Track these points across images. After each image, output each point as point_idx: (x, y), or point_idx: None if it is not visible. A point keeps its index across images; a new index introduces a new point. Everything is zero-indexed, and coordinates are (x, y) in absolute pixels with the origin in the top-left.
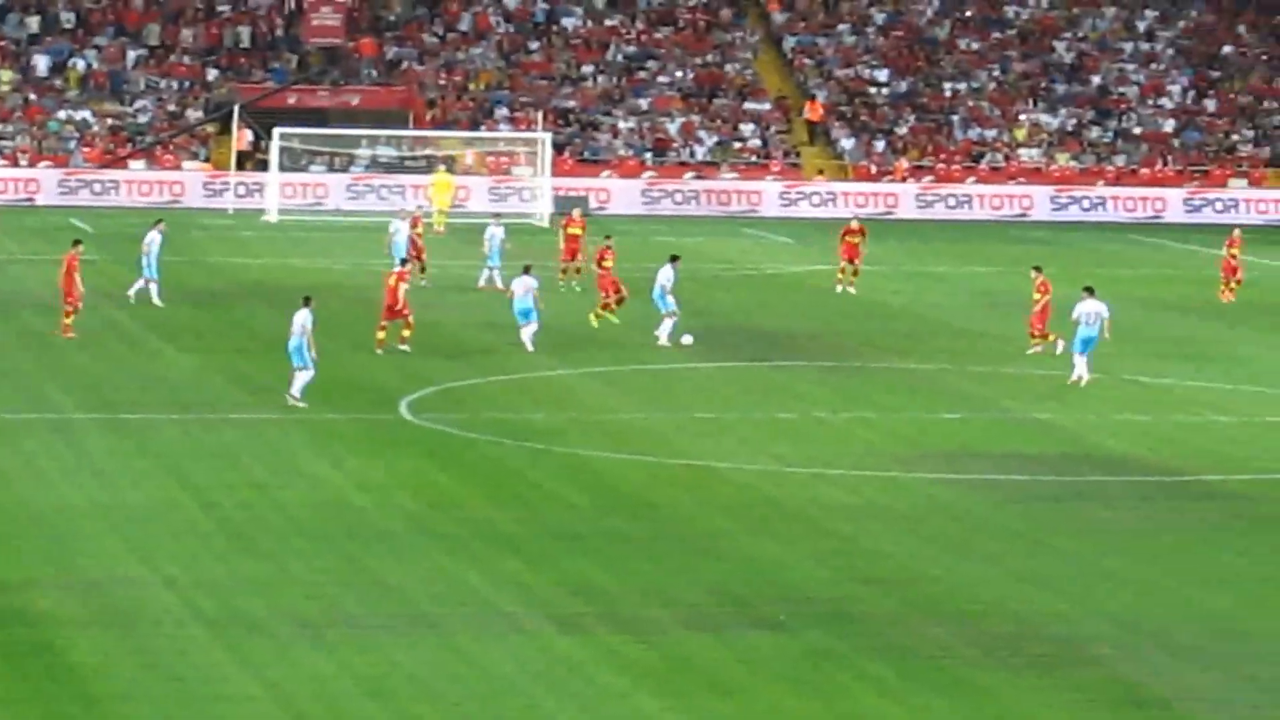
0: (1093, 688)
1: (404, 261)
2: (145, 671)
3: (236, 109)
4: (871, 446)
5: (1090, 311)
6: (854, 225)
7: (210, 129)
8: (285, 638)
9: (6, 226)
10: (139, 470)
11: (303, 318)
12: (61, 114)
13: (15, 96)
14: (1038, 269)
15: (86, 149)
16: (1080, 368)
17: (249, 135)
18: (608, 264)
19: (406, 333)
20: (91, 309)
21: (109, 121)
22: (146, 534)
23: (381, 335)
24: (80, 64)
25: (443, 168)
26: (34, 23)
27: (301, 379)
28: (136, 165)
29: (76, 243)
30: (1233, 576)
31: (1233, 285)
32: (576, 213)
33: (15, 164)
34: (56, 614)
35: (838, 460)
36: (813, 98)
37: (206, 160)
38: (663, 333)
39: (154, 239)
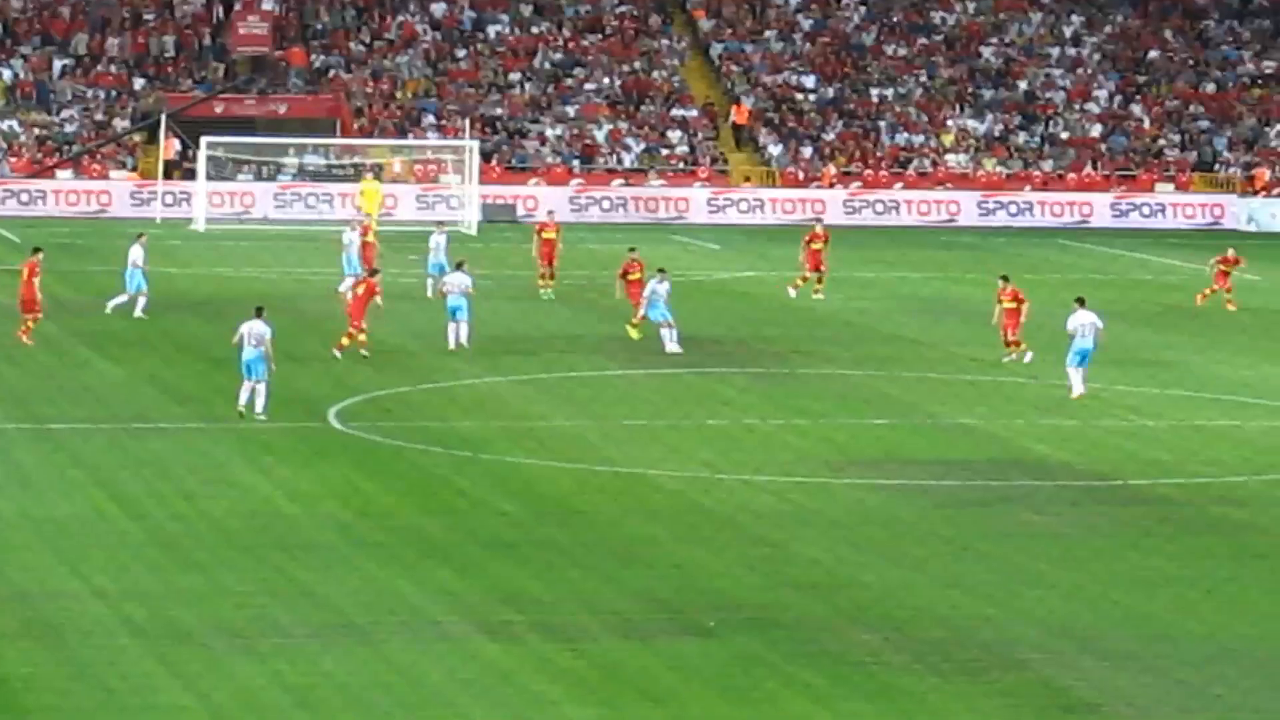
0: (1021, 692)
1: (373, 272)
2: (75, 683)
3: (163, 118)
4: (800, 453)
5: (1086, 323)
6: (818, 231)
7: (137, 138)
8: (216, 648)
9: None
10: (68, 481)
11: (259, 330)
12: None
13: None
14: (1005, 278)
15: (13, 159)
16: (1077, 382)
17: (176, 144)
18: (634, 276)
19: (362, 338)
20: (15, 319)
21: (36, 131)
22: (76, 545)
23: (348, 342)
24: (6, 74)
25: (370, 175)
26: None
27: (262, 394)
28: (64, 175)
29: (36, 250)
30: (1161, 580)
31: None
32: (549, 216)
33: None
34: None
35: (767, 467)
36: (739, 101)
37: (134, 169)
38: (669, 341)
39: (138, 253)
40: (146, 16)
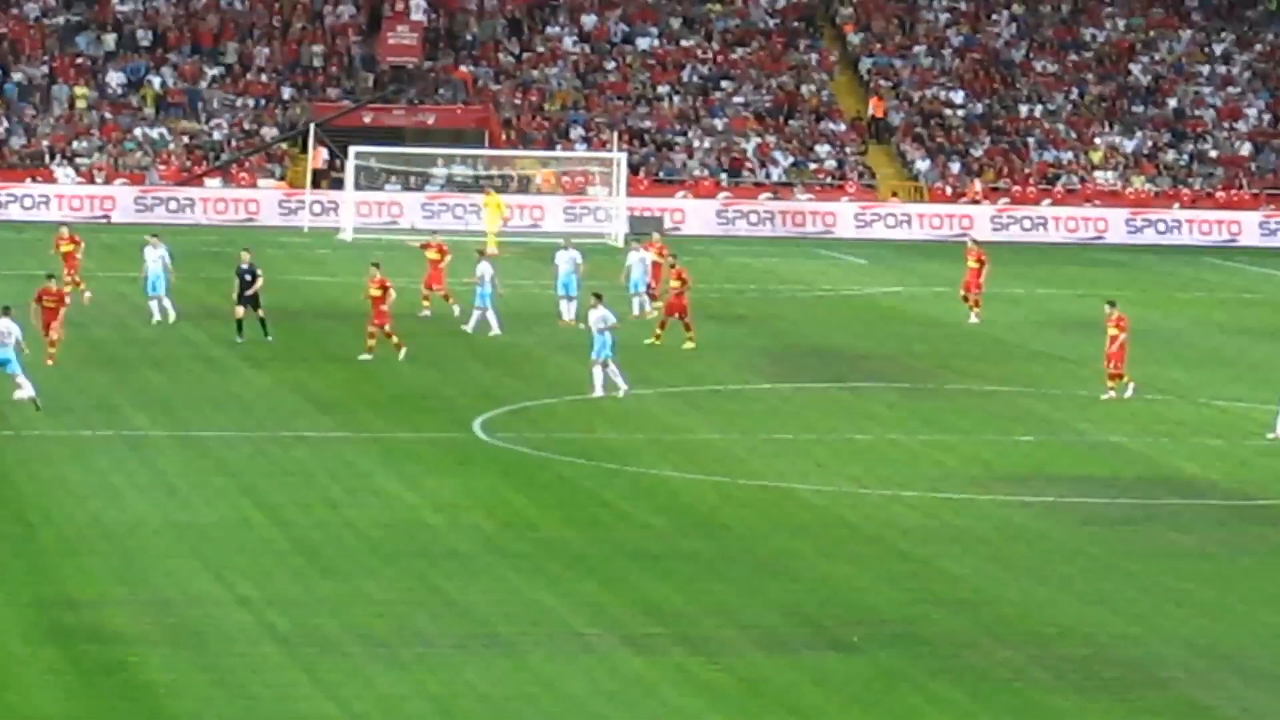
0: (1165, 712)
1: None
2: (217, 690)
3: (312, 127)
4: (946, 469)
5: None
6: (972, 248)
7: (286, 147)
8: (358, 657)
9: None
10: (213, 488)
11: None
12: (138, 132)
13: (92, 114)
14: (1111, 304)
15: (162, 167)
16: None
17: (324, 154)
18: (674, 285)
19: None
20: (168, 326)
21: (185, 139)
22: (220, 552)
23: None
24: (156, 82)
25: (491, 189)
26: (110, 40)
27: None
28: (212, 183)
29: (50, 276)
30: None
31: None
32: (656, 236)
33: (91, 181)
34: (129, 632)
35: (912, 482)
36: (876, 95)
37: (282, 178)
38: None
39: (157, 256)
40: (296, 26)
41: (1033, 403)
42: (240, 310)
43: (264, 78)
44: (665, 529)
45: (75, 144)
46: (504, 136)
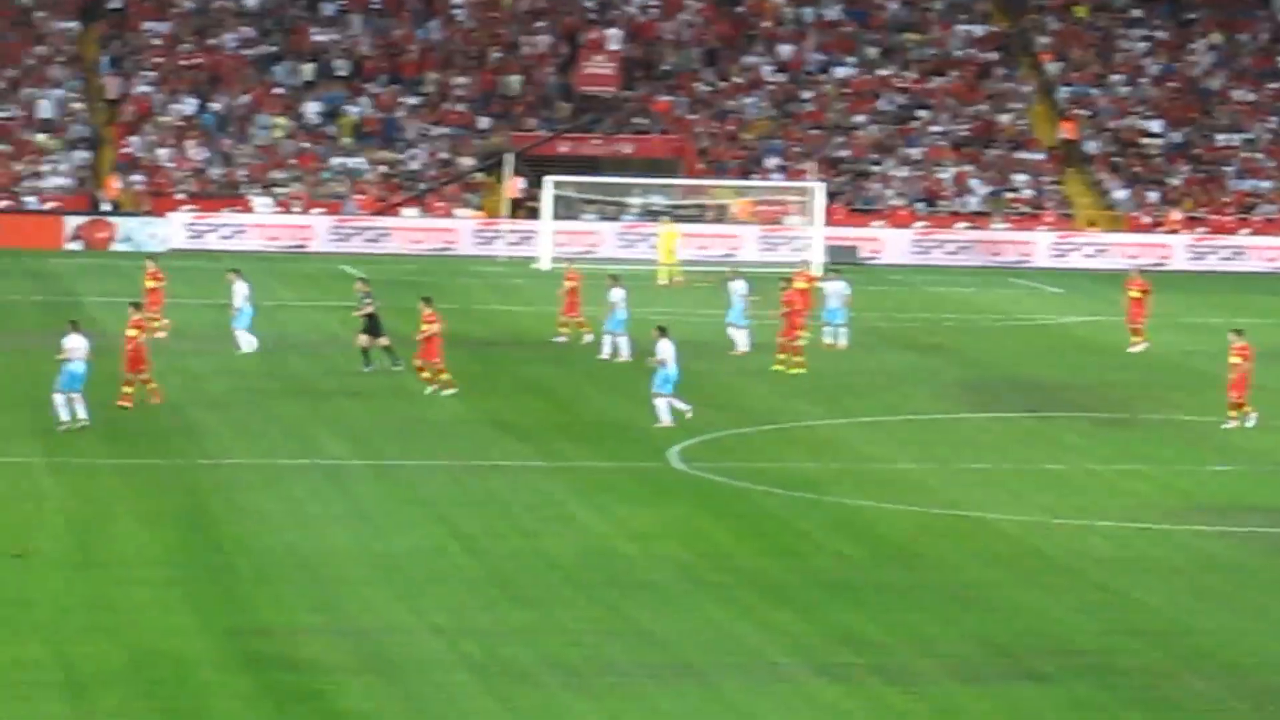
0: None
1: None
2: (413, 718)
3: (509, 157)
4: (1142, 499)
5: None
6: (1135, 278)
7: (482, 177)
8: (551, 686)
9: (279, 273)
10: (407, 517)
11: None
12: (335, 161)
13: (289, 144)
14: (1238, 332)
15: (360, 196)
16: None
17: (521, 183)
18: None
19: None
20: (357, 355)
21: (381, 169)
22: (414, 580)
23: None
24: (354, 111)
25: (666, 218)
26: (308, 70)
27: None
28: (409, 213)
29: (136, 306)
30: None
31: None
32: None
33: (289, 211)
34: (324, 660)
35: (1108, 512)
36: (1066, 117)
37: (478, 208)
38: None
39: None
40: (494, 55)
41: (1230, 432)
42: (363, 339)
43: (461, 107)
44: (861, 559)
45: (273, 174)
46: (700, 166)
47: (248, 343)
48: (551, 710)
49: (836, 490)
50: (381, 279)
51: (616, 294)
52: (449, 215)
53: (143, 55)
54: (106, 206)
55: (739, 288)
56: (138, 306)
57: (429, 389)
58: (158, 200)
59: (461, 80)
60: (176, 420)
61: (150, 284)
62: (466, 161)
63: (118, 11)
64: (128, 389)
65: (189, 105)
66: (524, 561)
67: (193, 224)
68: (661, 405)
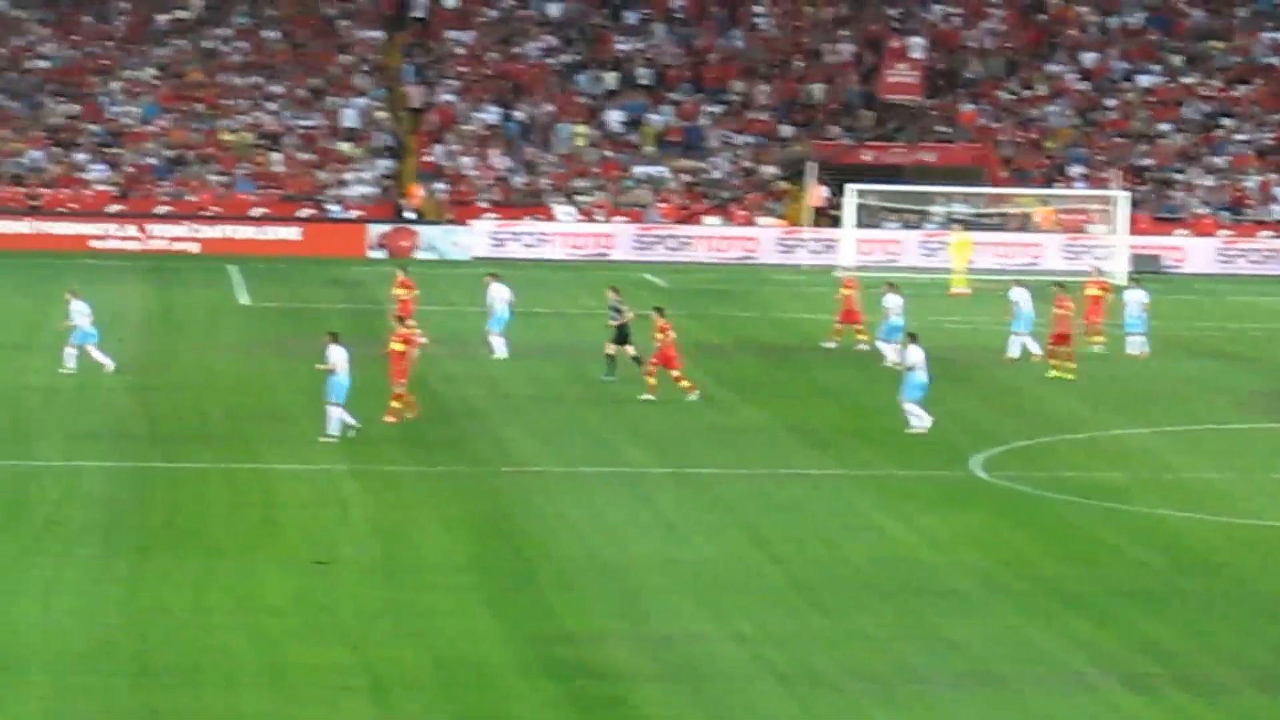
0: None
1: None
2: None
3: (811, 165)
4: None
5: None
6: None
7: (785, 185)
8: (853, 694)
9: (582, 281)
10: (709, 525)
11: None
12: (637, 170)
13: (592, 152)
14: None
15: (662, 205)
16: None
17: (823, 191)
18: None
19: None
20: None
21: (684, 177)
22: (717, 588)
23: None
24: (657, 120)
25: (959, 226)
26: (611, 79)
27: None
28: (711, 221)
29: (400, 319)
30: None
31: None
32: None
33: (591, 219)
34: (626, 667)
35: None
36: None
37: (781, 216)
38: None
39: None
40: (796, 63)
41: None
42: (611, 348)
43: (764, 115)
44: (1163, 568)
45: (575, 182)
46: (1003, 174)
47: (500, 347)
48: (853, 717)
49: (1138, 500)
50: (684, 287)
51: (892, 301)
52: (751, 223)
53: (446, 64)
54: (410, 215)
55: (1019, 296)
56: (401, 320)
57: (690, 395)
58: (461, 208)
59: (764, 88)
60: (479, 427)
61: (400, 292)
62: (769, 170)
63: (422, 21)
64: (395, 403)
65: (492, 114)
66: (826, 569)
67: (495, 232)
68: (911, 410)
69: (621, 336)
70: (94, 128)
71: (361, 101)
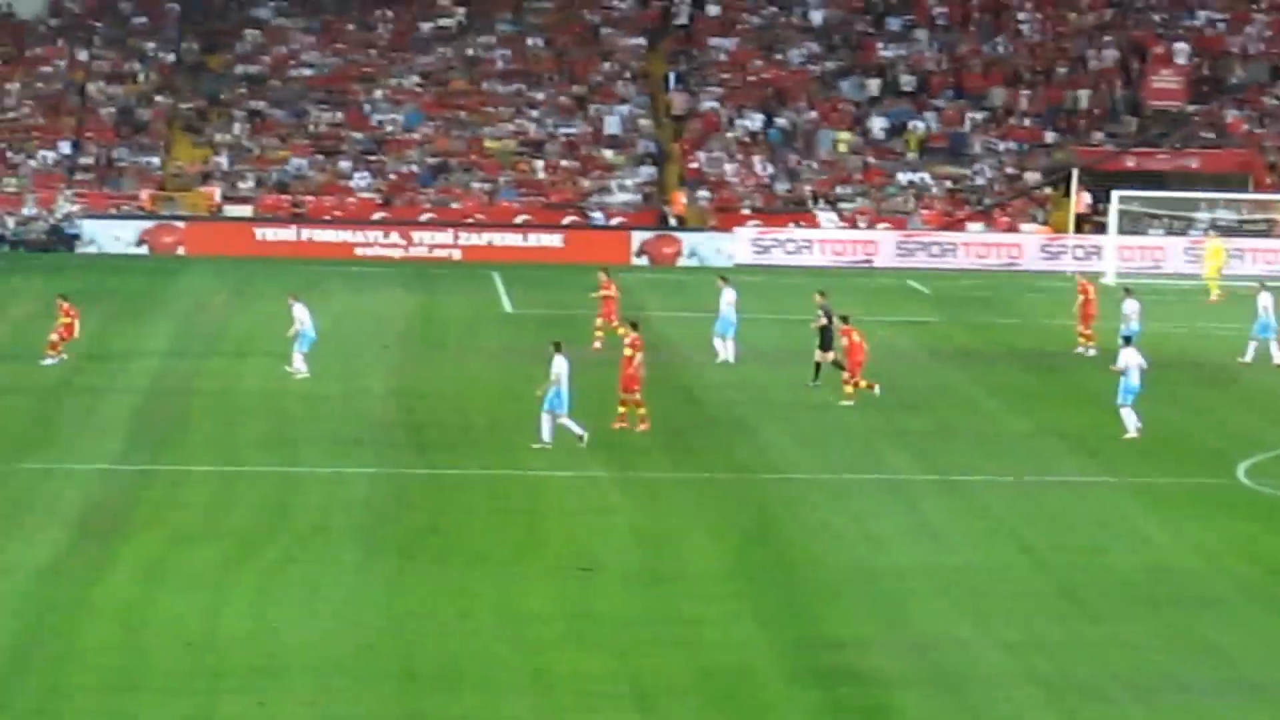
0: None
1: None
2: None
3: (1075, 171)
4: None
5: None
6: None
7: (1048, 191)
8: (1120, 702)
9: (844, 287)
10: (974, 531)
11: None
12: (900, 176)
13: (854, 159)
14: None
15: (925, 211)
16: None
17: (1087, 198)
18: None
19: None
20: (922, 370)
21: (947, 184)
22: (981, 595)
23: None
24: (919, 126)
25: (1213, 233)
26: (874, 85)
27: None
28: (974, 227)
29: (634, 325)
30: None
31: None
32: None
33: (854, 226)
34: (890, 674)
35: None
36: None
37: (1044, 223)
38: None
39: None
40: (1059, 70)
41: None
42: (820, 353)
43: (1027, 122)
44: None
45: (838, 189)
46: (1268, 180)
47: (725, 351)
48: None
49: None
50: (946, 294)
51: (1130, 306)
52: (1015, 230)
53: (709, 71)
54: (673, 222)
55: (1266, 301)
56: (635, 325)
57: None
58: (723, 215)
59: (1027, 94)
60: (742, 434)
61: (603, 294)
62: (1032, 176)
63: (685, 28)
64: (622, 409)
65: (755, 121)
66: (1091, 576)
67: (758, 239)
68: (1127, 415)
69: (824, 342)
70: (358, 135)
71: (624, 109)
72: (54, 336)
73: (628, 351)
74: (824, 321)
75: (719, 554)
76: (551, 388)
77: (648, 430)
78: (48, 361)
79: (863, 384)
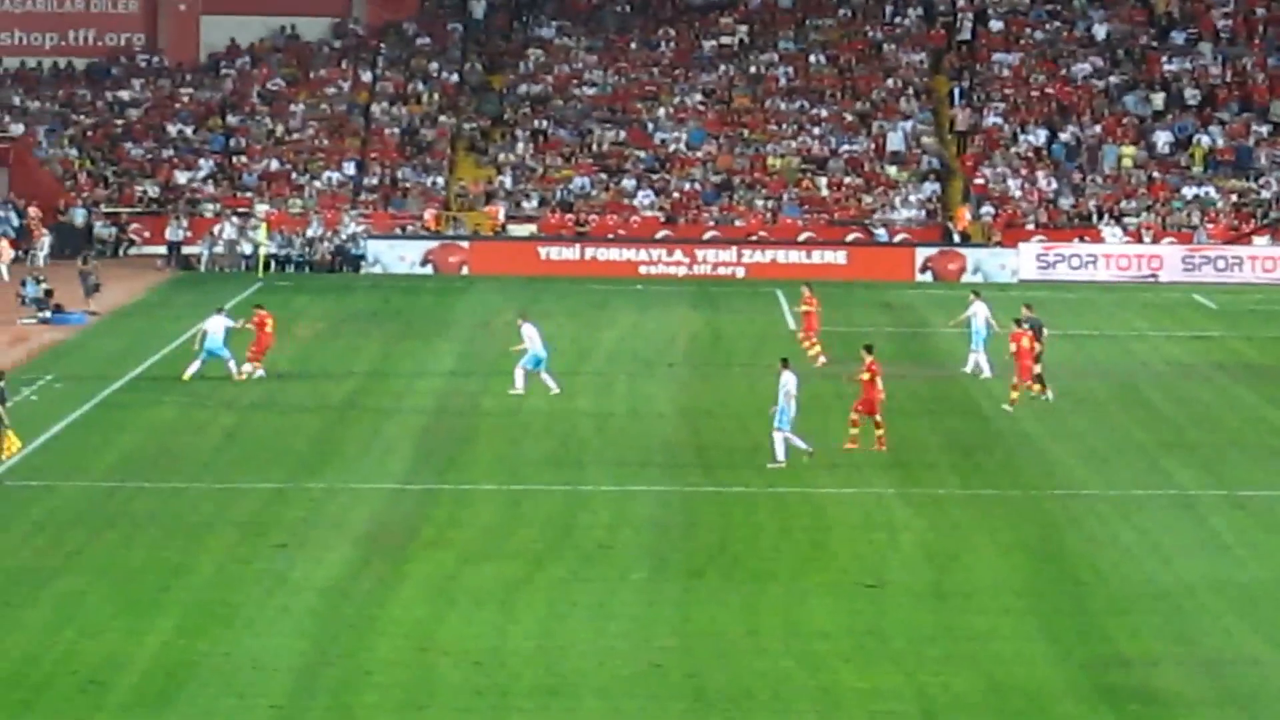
0: None
1: None
2: None
3: None
4: None
5: None
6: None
7: None
8: None
9: (1130, 302)
10: (1265, 547)
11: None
12: (1185, 191)
13: (1139, 173)
14: None
15: (1210, 225)
16: None
17: None
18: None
19: None
20: (1208, 384)
21: (1233, 198)
22: (1269, 612)
23: None
24: (1205, 140)
25: None
26: (1158, 100)
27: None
28: (1261, 241)
29: (869, 349)
30: None
31: None
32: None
33: (1139, 240)
34: (1182, 692)
35: None
36: None
37: None
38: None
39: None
40: None
41: None
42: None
43: None
44: None
45: (1123, 203)
46: None
47: (983, 366)
48: None
49: None
50: (1233, 309)
51: None
52: None
53: (992, 86)
54: (956, 238)
55: None
56: (869, 349)
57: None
58: (1008, 231)
59: None
60: (1028, 450)
61: (804, 308)
62: None
63: (967, 44)
64: (854, 430)
65: (1038, 136)
66: None
67: (1042, 254)
68: None
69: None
70: (641, 154)
71: (907, 125)
72: (256, 348)
73: (865, 375)
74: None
75: (1008, 570)
76: (781, 405)
77: (883, 450)
78: (254, 370)
79: (1035, 388)
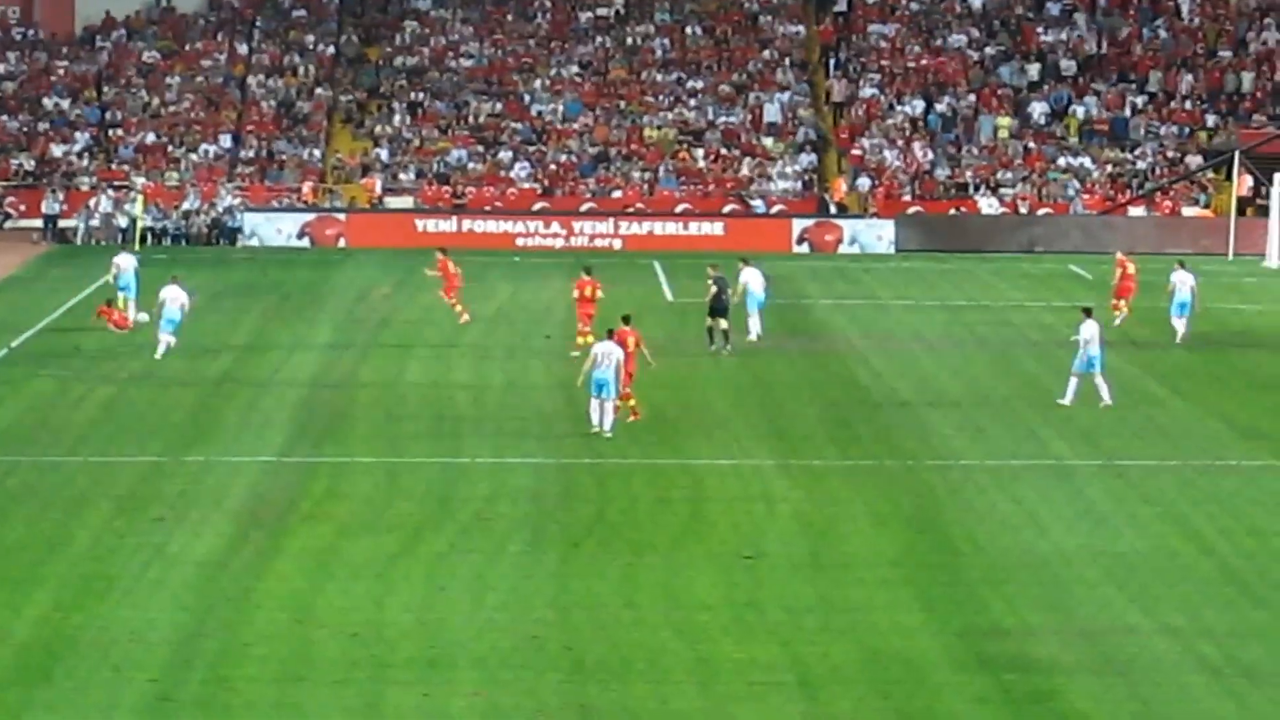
0: None
1: None
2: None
3: (1237, 154)
4: None
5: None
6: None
7: (1210, 175)
8: None
9: (1007, 272)
10: (1139, 517)
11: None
12: (1061, 161)
13: (1015, 144)
14: None
15: (1085, 196)
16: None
17: (1249, 181)
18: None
19: None
20: None
21: (1108, 168)
22: (1144, 581)
23: None
24: (1080, 110)
25: None
26: (1034, 70)
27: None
28: (1135, 211)
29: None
30: None
31: None
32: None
33: (1015, 211)
34: (1057, 661)
35: None
36: None
37: (1206, 206)
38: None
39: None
40: (1220, 53)
41: None
42: (710, 320)
43: (1188, 105)
44: None
45: (999, 174)
46: None
47: (755, 328)
48: None
49: None
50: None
51: (1179, 278)
52: (1176, 214)
53: (868, 58)
54: (833, 209)
55: None
56: (627, 320)
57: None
58: (884, 202)
59: (1189, 78)
60: (906, 420)
61: (435, 273)
62: (1194, 160)
63: (843, 15)
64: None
65: (915, 107)
66: (1258, 562)
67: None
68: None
69: (716, 309)
70: (518, 126)
71: (784, 96)
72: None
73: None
74: (714, 291)
75: (885, 541)
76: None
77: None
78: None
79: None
